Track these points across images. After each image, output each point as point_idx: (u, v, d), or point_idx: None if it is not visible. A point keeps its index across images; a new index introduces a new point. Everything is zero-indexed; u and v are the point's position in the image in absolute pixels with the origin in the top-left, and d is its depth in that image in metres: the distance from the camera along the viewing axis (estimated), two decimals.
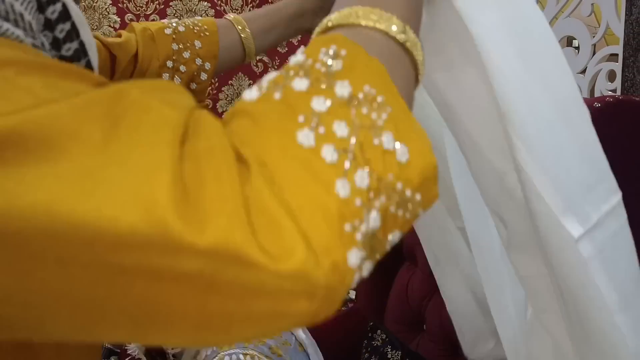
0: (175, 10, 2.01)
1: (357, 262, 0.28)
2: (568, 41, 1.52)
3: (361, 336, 1.21)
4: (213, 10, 2.05)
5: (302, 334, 0.91)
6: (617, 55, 1.35)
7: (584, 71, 1.46)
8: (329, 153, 0.28)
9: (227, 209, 0.26)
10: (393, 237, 0.31)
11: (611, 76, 1.38)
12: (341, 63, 0.31)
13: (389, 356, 1.09)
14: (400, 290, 1.28)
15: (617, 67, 1.34)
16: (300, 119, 0.29)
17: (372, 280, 1.35)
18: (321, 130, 0.28)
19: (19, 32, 0.32)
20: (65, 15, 0.37)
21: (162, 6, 1.99)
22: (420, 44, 0.36)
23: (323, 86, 0.30)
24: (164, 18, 1.99)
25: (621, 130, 0.66)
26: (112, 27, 1.94)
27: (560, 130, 0.43)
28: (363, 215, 0.28)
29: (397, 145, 0.29)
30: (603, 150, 0.48)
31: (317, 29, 0.36)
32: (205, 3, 2.04)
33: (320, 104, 0.29)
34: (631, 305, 0.44)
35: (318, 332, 1.19)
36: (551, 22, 1.55)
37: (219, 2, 2.06)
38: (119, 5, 1.94)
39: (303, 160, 0.28)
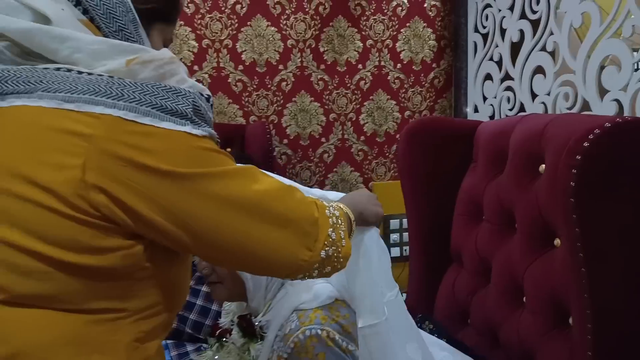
0: (246, 35, 2.23)
1: (323, 256, 0.78)
2: (612, 60, 1.61)
3: None
4: (279, 35, 2.26)
5: None
6: None
7: (625, 88, 1.55)
8: (331, 222, 0.81)
9: (314, 226, 0.79)
10: (327, 270, 0.81)
11: None
12: (337, 213, 0.84)
13: None
14: (448, 288, 1.42)
15: None
16: (327, 211, 0.82)
17: (423, 279, 1.50)
18: (331, 218, 0.82)
19: (215, 136, 0.71)
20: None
21: (235, 32, 2.22)
22: (355, 223, 0.92)
23: (334, 211, 0.84)
24: (236, 43, 2.22)
25: (627, 148, 0.79)
26: (191, 52, 2.19)
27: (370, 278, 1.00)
28: (329, 245, 0.79)
29: (344, 238, 0.82)
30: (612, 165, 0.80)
31: (335, 202, 0.91)
32: (273, 28, 2.26)
33: (331, 212, 0.83)
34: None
35: None
36: (595, 42, 1.65)
37: (285, 27, 2.27)
38: (197, 32, 2.19)
39: (325, 217, 0.81)
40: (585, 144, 0.78)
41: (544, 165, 1.09)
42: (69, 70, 0.64)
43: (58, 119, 0.61)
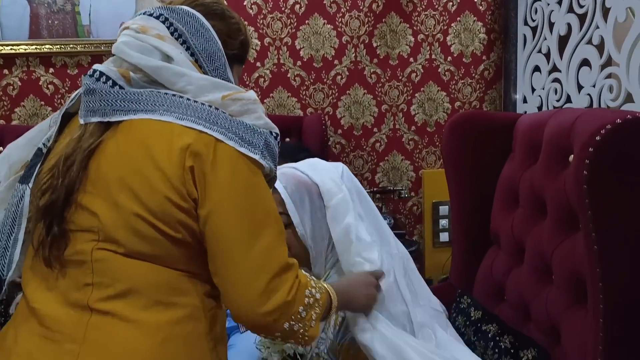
0: (304, 33, 2.41)
1: (286, 328, 0.87)
2: None
3: (451, 302, 1.50)
4: (335, 32, 2.42)
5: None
6: None
7: None
8: (306, 302, 0.89)
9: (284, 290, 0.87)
10: (290, 342, 0.93)
11: None
12: (318, 296, 0.92)
13: (472, 315, 1.37)
14: (487, 268, 1.55)
15: None
16: (307, 291, 0.90)
17: (464, 259, 1.64)
18: (308, 298, 0.89)
19: (274, 171, 0.91)
20: None
21: (294, 30, 2.40)
22: (335, 309, 0.99)
23: (315, 293, 0.91)
24: (295, 41, 2.40)
25: (634, 142, 0.90)
26: (254, 50, 2.38)
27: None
28: (295, 321, 0.87)
29: (314, 320, 0.90)
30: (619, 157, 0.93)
31: (327, 285, 0.99)
32: (329, 26, 2.42)
33: (312, 293, 0.90)
34: None
35: None
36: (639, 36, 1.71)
37: (340, 24, 2.43)
38: (260, 31, 2.38)
39: (302, 296, 0.89)
40: (597, 138, 0.90)
41: (573, 156, 1.20)
42: (181, 97, 0.88)
43: (173, 129, 0.84)
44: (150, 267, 0.84)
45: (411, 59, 2.52)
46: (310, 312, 0.89)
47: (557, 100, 2.17)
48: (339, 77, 2.47)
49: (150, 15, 0.94)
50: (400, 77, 2.52)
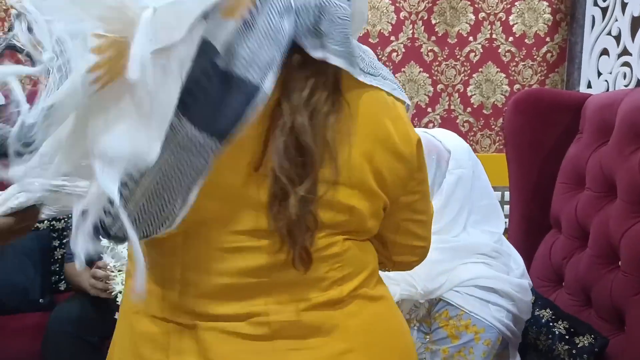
0: None
1: None
2: None
3: None
4: (393, 7, 2.37)
5: None
6: None
7: None
8: None
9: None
10: None
11: None
12: None
13: None
14: (545, 252, 1.49)
15: None
16: None
17: (520, 243, 1.59)
18: None
19: None
20: None
21: None
22: None
23: None
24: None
25: None
26: None
27: None
28: None
29: None
30: None
31: None
32: (387, 1, 2.37)
33: None
34: None
35: None
36: None
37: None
38: None
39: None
40: None
41: None
42: None
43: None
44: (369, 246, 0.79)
45: (470, 38, 2.44)
46: None
47: (626, 85, 2.06)
48: (394, 53, 2.42)
49: None
50: (458, 57, 2.45)
